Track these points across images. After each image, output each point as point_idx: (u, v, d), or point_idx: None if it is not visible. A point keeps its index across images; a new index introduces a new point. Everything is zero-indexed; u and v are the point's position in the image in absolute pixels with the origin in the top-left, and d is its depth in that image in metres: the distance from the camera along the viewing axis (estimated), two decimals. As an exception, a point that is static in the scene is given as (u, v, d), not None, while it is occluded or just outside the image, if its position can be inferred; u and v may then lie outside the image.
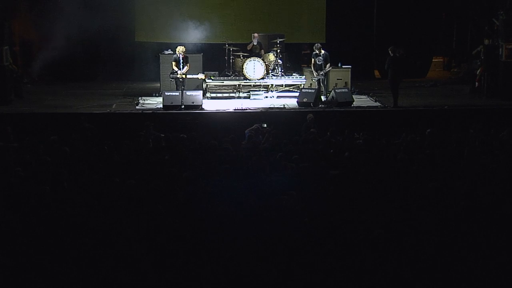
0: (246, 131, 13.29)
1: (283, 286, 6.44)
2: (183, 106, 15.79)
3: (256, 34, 17.87)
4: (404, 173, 9.55)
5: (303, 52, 21.05)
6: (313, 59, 16.84)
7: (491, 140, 12.07)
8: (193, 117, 15.35)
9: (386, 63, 16.41)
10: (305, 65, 19.29)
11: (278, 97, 17.41)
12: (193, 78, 16.64)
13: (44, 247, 6.92)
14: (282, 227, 7.38)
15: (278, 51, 17.62)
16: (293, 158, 10.41)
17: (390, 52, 16.30)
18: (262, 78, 17.38)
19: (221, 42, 18.17)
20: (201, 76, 16.76)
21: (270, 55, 17.59)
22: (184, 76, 16.22)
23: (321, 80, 16.78)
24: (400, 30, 20.93)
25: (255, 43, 17.73)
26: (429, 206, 8.03)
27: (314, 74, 16.90)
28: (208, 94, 17.41)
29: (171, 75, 16.42)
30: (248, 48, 17.77)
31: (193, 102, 15.88)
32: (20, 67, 18.36)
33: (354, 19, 20.58)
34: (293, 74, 18.08)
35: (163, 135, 12.61)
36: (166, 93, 16.12)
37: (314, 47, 17.01)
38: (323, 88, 16.83)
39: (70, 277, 6.51)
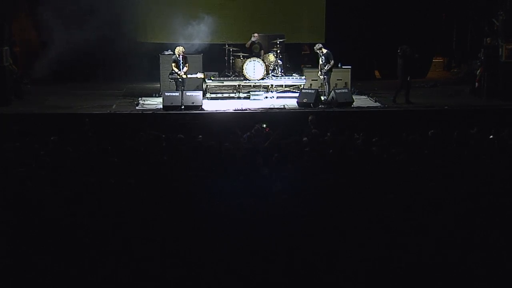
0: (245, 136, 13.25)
1: (283, 286, 6.45)
2: (183, 107, 15.80)
3: (256, 34, 17.89)
4: (404, 173, 9.55)
5: (303, 52, 21.03)
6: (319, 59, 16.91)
7: (491, 140, 12.07)
8: (193, 118, 15.36)
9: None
10: (305, 66, 19.31)
11: (278, 97, 17.41)
12: (192, 77, 16.63)
13: (44, 247, 6.93)
14: (282, 227, 7.38)
15: (278, 51, 17.63)
16: (293, 158, 10.41)
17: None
18: (262, 79, 17.39)
19: (221, 43, 18.18)
20: (200, 75, 16.75)
21: (270, 56, 17.60)
22: (185, 76, 16.25)
23: (324, 79, 16.80)
24: (400, 30, 20.92)
25: (253, 40, 17.74)
26: (429, 206, 8.03)
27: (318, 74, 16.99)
28: (208, 95, 17.42)
29: (170, 75, 16.43)
30: (247, 46, 17.79)
31: (193, 103, 15.89)
32: (20, 67, 18.35)
33: (354, 19, 20.57)
34: (293, 74, 18.08)
35: (163, 136, 12.61)
36: (166, 94, 16.12)
37: (314, 48, 17.01)
38: (325, 88, 16.83)
39: (70, 277, 6.51)
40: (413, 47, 17.17)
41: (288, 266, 6.64)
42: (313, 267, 6.65)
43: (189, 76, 16.42)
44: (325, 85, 16.80)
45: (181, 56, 16.24)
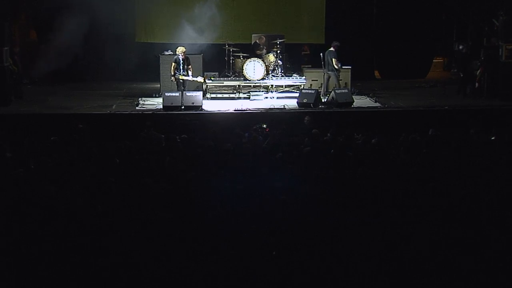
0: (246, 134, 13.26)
1: (283, 285, 6.45)
2: (183, 107, 15.79)
3: (263, 37, 17.84)
4: (404, 173, 9.55)
5: (303, 52, 21.06)
6: None
7: (491, 140, 12.08)
8: (193, 118, 15.35)
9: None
10: (305, 66, 19.33)
11: (278, 97, 17.41)
12: (193, 81, 16.59)
13: (45, 248, 6.93)
14: (282, 227, 7.38)
15: (278, 51, 17.63)
16: (293, 158, 10.41)
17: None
18: (262, 79, 17.39)
19: (221, 43, 18.19)
20: (200, 79, 16.73)
21: (270, 56, 17.60)
22: (187, 78, 16.26)
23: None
24: (400, 31, 20.95)
25: (264, 53, 17.70)
26: (429, 206, 8.03)
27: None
28: (208, 95, 17.42)
29: (172, 77, 16.38)
30: (258, 53, 17.78)
31: (193, 103, 15.88)
32: (20, 68, 18.35)
33: (354, 19, 20.58)
34: (293, 74, 18.08)
35: (163, 136, 12.61)
36: (166, 94, 16.12)
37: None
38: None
39: (69, 277, 6.52)
40: (466, 43, 18.35)
41: (288, 266, 6.64)
42: (313, 267, 6.65)
43: (190, 79, 16.38)
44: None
45: (180, 56, 16.22)
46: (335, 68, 17.15)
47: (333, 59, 17.10)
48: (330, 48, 17.31)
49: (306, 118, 14.12)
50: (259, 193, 8.43)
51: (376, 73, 21.79)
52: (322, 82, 17.64)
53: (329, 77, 17.31)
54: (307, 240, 7.08)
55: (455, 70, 21.73)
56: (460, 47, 18.57)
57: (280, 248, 6.88)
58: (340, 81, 17.55)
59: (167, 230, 7.21)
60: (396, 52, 21.05)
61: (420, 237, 7.16)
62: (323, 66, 17.30)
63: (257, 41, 17.95)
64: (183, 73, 16.28)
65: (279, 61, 17.65)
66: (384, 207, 8.00)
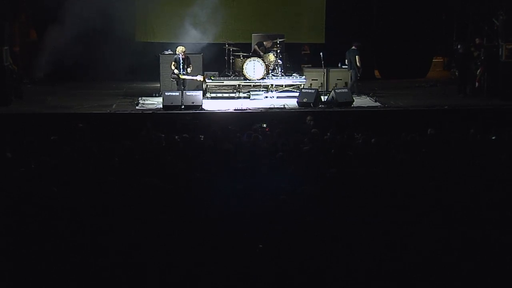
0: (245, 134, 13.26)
1: (283, 285, 6.45)
2: (183, 106, 15.79)
3: (270, 42, 17.81)
4: (404, 173, 9.54)
5: (303, 52, 21.07)
6: None
7: (491, 140, 12.08)
8: (193, 117, 15.35)
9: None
10: (305, 65, 19.34)
11: (278, 97, 17.41)
12: (192, 79, 16.60)
13: (45, 248, 6.93)
14: (282, 227, 7.37)
15: (278, 51, 17.63)
16: (293, 158, 10.41)
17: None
18: (262, 78, 17.39)
19: (221, 42, 18.19)
20: (199, 77, 16.74)
21: (270, 55, 17.60)
22: (185, 77, 16.26)
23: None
24: (400, 30, 20.94)
25: (261, 54, 17.70)
26: (429, 206, 8.03)
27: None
28: (208, 94, 17.43)
29: (172, 75, 16.41)
30: (255, 49, 17.77)
31: (193, 102, 15.89)
32: (20, 67, 18.36)
33: (354, 19, 20.58)
34: (293, 74, 18.09)
35: (163, 135, 12.61)
36: (166, 93, 16.13)
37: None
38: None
39: (70, 278, 6.52)
40: (466, 43, 18.75)
41: (288, 267, 6.64)
42: (312, 267, 6.65)
43: (189, 77, 16.40)
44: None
45: (181, 56, 16.23)
46: (357, 66, 17.30)
47: (357, 57, 17.40)
48: (351, 47, 17.60)
49: (308, 118, 14.13)
50: (259, 193, 8.43)
51: (376, 73, 21.80)
52: (322, 81, 17.65)
53: (356, 74, 17.51)
54: (307, 240, 7.08)
55: (455, 70, 21.78)
56: (458, 46, 18.55)
57: (280, 248, 6.88)
58: (340, 80, 17.60)
59: (167, 230, 7.21)
60: (396, 52, 21.05)
61: (420, 237, 7.15)
62: (322, 65, 17.35)
63: (265, 43, 17.88)
64: (183, 72, 16.29)
65: (279, 61, 17.66)
66: (384, 207, 8.00)
